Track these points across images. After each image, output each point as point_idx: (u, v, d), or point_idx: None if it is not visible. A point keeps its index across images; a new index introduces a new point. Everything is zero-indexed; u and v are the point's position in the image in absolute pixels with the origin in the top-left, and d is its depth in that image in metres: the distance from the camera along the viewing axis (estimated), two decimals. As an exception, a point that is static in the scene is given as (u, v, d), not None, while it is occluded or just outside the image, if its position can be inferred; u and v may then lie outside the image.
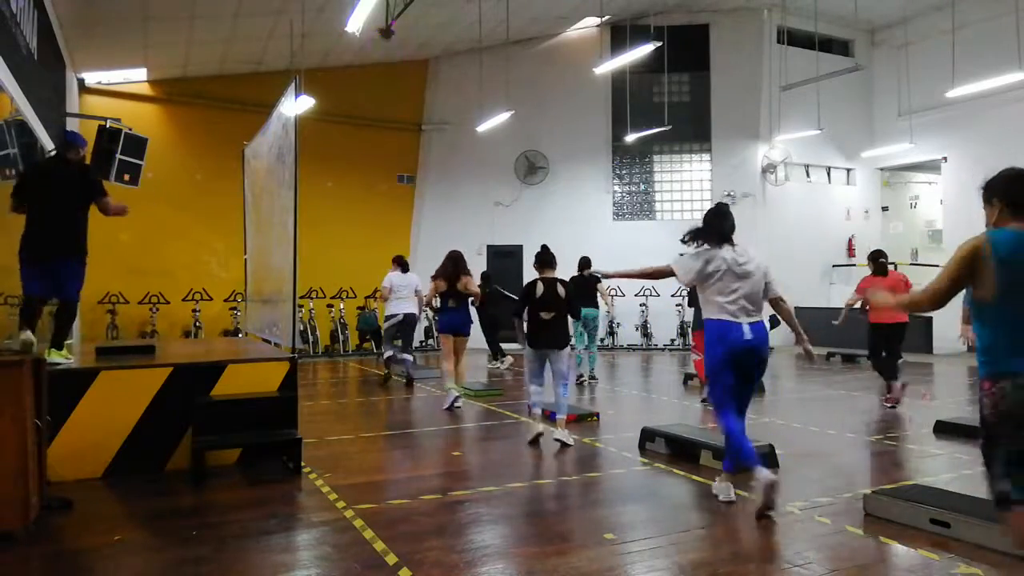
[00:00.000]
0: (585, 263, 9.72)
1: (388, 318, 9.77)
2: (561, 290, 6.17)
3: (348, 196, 15.22)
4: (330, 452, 5.72)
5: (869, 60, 16.86)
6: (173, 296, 13.09)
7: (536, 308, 6.12)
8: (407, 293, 9.71)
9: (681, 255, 4.56)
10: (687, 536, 3.77)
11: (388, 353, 9.96)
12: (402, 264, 9.94)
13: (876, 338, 7.89)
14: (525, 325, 6.25)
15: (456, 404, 7.76)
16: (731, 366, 4.24)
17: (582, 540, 3.67)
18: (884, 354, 7.92)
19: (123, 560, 3.48)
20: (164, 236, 12.95)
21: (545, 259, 6.34)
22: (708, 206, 13.88)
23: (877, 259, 8.03)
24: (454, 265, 8.13)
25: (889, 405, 7.68)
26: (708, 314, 4.37)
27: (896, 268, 14.89)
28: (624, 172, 16.59)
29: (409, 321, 9.78)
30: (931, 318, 13.39)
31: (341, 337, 14.46)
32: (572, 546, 3.58)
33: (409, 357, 9.94)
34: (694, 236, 4.56)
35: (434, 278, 8.19)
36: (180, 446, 5.15)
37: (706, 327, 4.37)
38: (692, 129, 16.29)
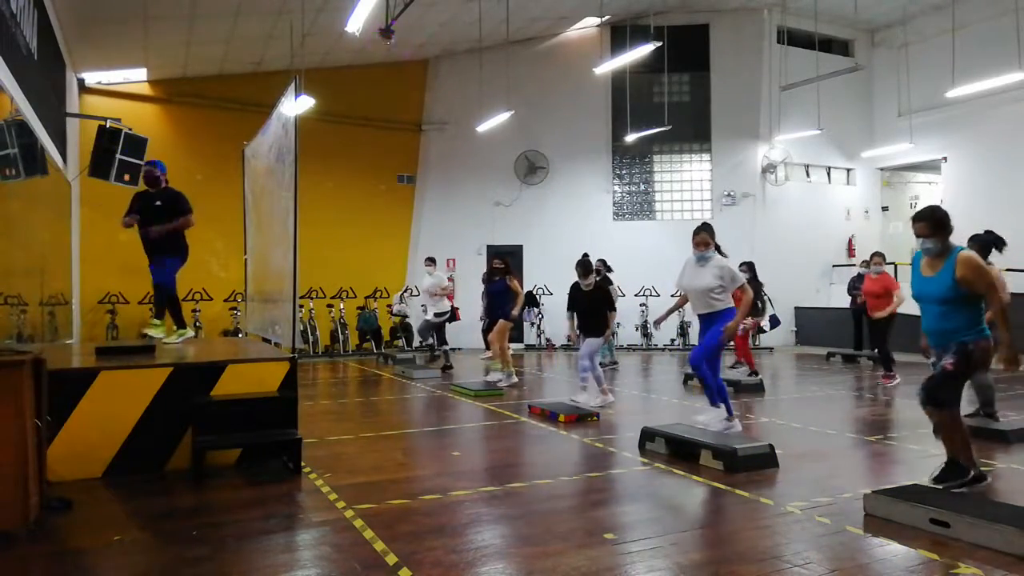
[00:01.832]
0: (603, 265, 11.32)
1: (442, 314, 11.31)
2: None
3: (348, 196, 15.23)
4: (330, 452, 5.72)
5: (869, 60, 16.87)
6: (173, 296, 13.05)
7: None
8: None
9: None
10: (687, 536, 3.77)
11: (446, 347, 11.55)
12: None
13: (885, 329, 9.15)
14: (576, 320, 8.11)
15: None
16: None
17: (582, 540, 3.67)
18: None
19: (123, 560, 3.48)
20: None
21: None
22: (708, 206, 14.89)
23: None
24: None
25: (892, 384, 9.11)
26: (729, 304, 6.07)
27: (896, 267, 14.91)
28: (624, 172, 16.59)
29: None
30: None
31: (341, 337, 14.46)
32: (572, 546, 3.58)
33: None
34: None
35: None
36: (180, 446, 5.14)
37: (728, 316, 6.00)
38: (692, 129, 16.30)
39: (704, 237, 6.08)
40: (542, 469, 5.31)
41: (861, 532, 3.76)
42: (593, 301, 7.94)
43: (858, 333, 12.35)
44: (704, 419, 6.07)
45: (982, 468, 4.40)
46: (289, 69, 12.73)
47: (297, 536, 3.82)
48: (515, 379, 9.58)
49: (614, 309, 8.13)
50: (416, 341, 11.63)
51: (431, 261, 11.57)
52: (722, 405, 6.01)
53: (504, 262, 10.00)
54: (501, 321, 9.59)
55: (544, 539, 3.70)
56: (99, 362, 5.37)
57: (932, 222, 4.25)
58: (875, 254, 9.64)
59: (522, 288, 10.06)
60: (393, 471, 5.21)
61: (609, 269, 11.55)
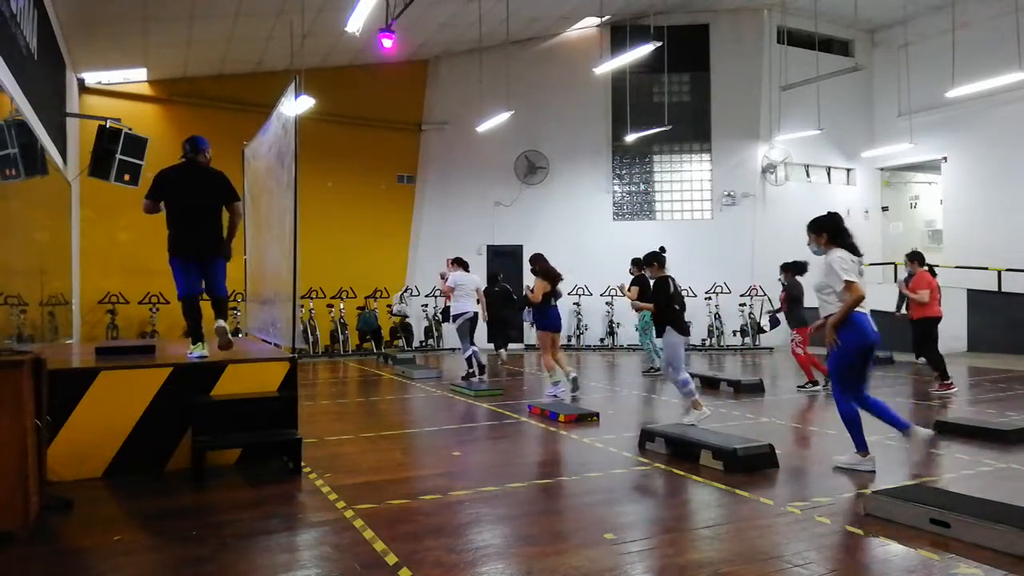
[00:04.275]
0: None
1: (458, 316, 10.25)
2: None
3: (348, 196, 15.23)
4: (330, 452, 5.72)
5: (869, 60, 16.87)
6: (173, 296, 12.91)
7: (673, 301, 6.73)
8: (472, 291, 10.24)
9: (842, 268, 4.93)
10: (687, 536, 3.77)
11: (471, 351, 10.29)
12: (464, 264, 10.46)
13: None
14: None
15: (574, 390, 8.50)
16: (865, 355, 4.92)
17: (582, 540, 3.67)
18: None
19: (123, 560, 3.48)
20: (164, 236, 12.88)
21: (664, 259, 7.02)
22: (708, 206, 14.68)
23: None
24: (551, 267, 8.64)
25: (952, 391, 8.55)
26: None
27: (896, 268, 14.91)
28: (624, 172, 16.59)
29: (474, 318, 10.32)
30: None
31: (341, 337, 14.47)
32: (572, 546, 3.58)
33: (476, 348, 10.43)
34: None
35: (541, 281, 8.55)
36: (180, 446, 5.14)
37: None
38: (692, 129, 16.30)
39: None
40: (542, 469, 5.31)
41: (861, 532, 3.76)
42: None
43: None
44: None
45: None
46: (289, 69, 12.73)
47: (297, 536, 3.82)
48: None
49: (657, 305, 6.96)
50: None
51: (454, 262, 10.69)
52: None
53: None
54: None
55: (544, 539, 3.69)
56: (99, 362, 5.37)
57: None
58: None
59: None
60: (393, 471, 5.21)
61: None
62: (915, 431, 4.93)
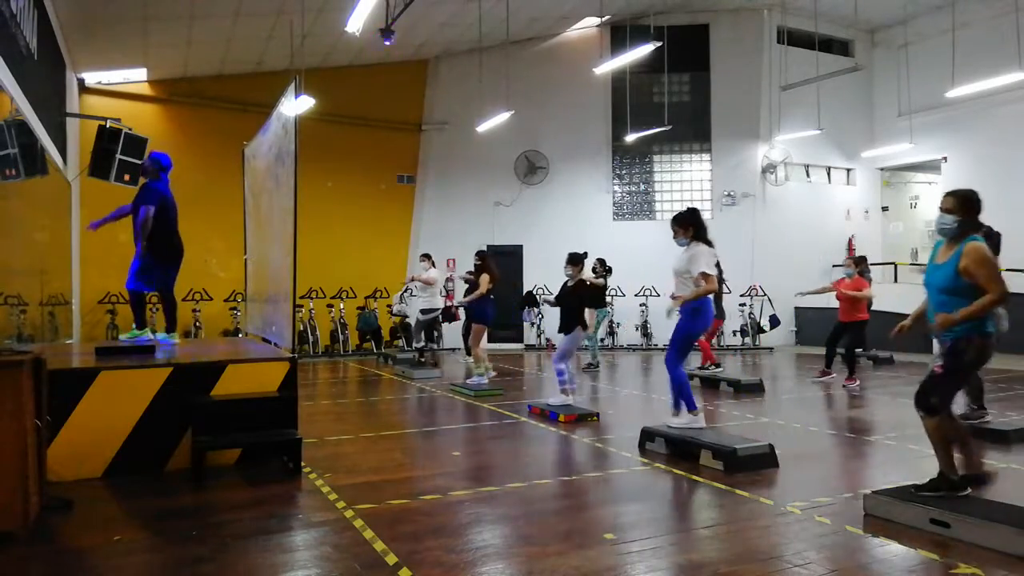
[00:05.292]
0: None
1: (431, 311, 10.81)
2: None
3: (348, 196, 15.22)
4: (330, 452, 5.72)
5: (869, 60, 16.88)
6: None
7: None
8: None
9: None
10: (687, 536, 3.77)
11: (422, 344, 11.20)
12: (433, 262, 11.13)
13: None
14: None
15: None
16: None
17: (582, 540, 3.67)
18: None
19: (123, 560, 3.48)
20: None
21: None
22: (708, 206, 15.04)
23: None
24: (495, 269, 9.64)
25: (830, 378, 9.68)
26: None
27: (896, 268, 14.91)
28: (624, 172, 16.59)
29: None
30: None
31: (341, 337, 14.46)
32: (572, 546, 3.58)
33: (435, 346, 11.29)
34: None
35: (487, 276, 9.45)
36: (180, 446, 5.14)
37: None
38: (692, 129, 16.29)
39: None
40: (542, 469, 5.31)
41: (861, 532, 3.76)
42: (564, 296, 7.79)
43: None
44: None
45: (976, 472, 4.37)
46: (289, 69, 12.73)
47: (297, 536, 3.82)
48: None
49: (595, 306, 7.97)
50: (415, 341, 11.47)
51: (425, 257, 11.37)
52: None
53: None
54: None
55: (544, 539, 3.70)
56: (99, 362, 5.36)
57: (959, 199, 3.94)
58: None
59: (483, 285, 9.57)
60: (393, 471, 5.21)
61: (608, 270, 11.41)
62: (698, 415, 5.75)
